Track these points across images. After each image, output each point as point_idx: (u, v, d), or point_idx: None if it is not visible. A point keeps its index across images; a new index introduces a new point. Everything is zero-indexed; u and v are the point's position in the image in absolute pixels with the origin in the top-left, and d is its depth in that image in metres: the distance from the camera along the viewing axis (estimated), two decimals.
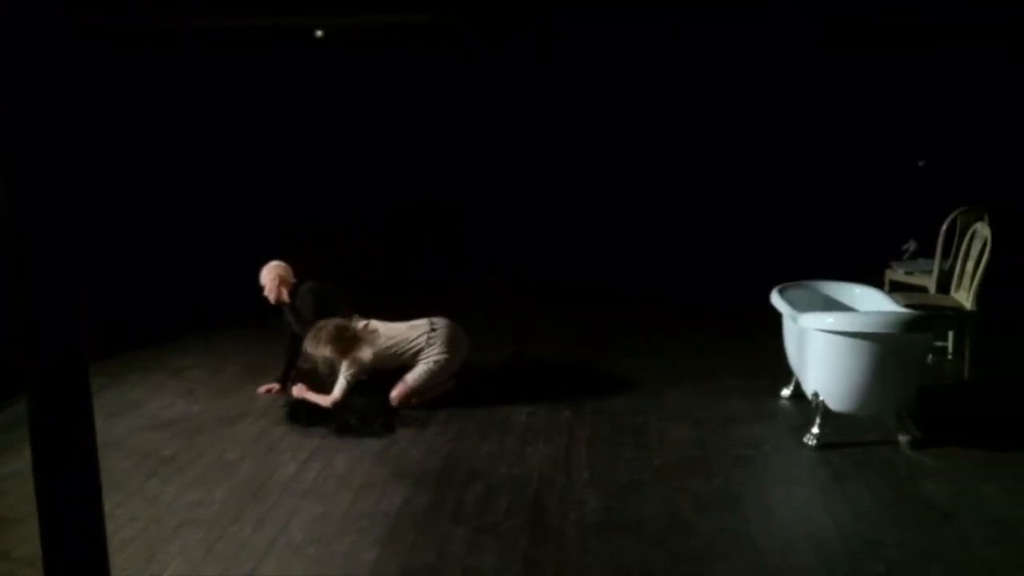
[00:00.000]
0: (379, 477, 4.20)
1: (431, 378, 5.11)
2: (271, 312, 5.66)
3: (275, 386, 5.40)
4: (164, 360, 6.04)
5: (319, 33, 8.12)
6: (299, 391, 5.12)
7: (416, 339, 5.16)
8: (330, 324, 5.02)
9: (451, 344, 5.19)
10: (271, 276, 5.42)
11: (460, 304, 7.43)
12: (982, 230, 5.45)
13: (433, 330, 5.19)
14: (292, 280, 5.47)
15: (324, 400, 4.99)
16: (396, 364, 5.17)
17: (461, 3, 7.94)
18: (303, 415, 4.92)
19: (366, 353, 5.08)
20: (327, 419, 4.86)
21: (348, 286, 5.68)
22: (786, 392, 5.23)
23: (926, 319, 4.42)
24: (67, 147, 2.23)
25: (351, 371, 5.03)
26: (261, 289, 5.45)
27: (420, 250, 9.04)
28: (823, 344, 4.37)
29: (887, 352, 4.23)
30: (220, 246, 8.14)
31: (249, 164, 8.69)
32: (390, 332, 5.22)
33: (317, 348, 4.97)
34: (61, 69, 2.17)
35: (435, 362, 5.12)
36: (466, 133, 9.04)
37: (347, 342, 5.01)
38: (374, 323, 5.26)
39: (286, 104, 8.74)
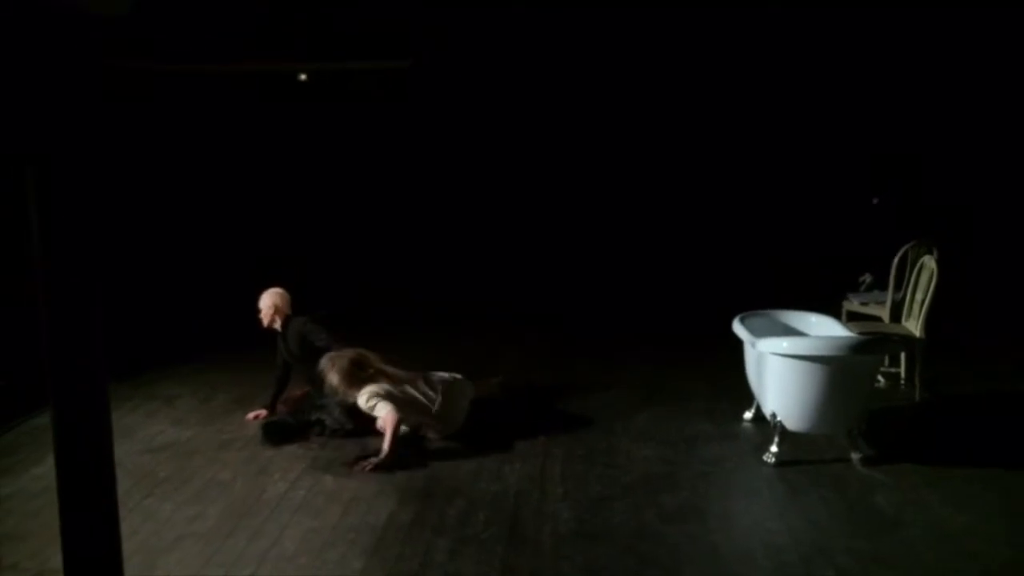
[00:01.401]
0: (366, 494, 4.45)
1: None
2: (259, 342, 5.94)
3: (263, 412, 5.63)
4: (155, 389, 6.26)
5: (303, 76, 8.46)
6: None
7: (425, 394, 5.20)
8: (347, 355, 5.08)
9: (448, 413, 5.25)
10: (268, 303, 5.67)
11: (431, 333, 7.75)
12: (929, 263, 5.83)
13: (438, 391, 5.24)
14: (288, 311, 5.70)
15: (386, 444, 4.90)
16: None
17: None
18: (275, 434, 5.23)
19: (386, 385, 5.07)
20: (297, 434, 5.25)
21: (341, 323, 5.91)
22: (748, 415, 5.54)
23: (871, 343, 4.77)
24: (95, 182, 2.54)
25: (375, 400, 4.98)
26: (258, 311, 5.71)
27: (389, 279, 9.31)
28: (779, 367, 4.70)
29: (837, 374, 4.57)
30: (208, 277, 8.39)
31: (242, 195, 9.00)
32: (405, 379, 5.24)
33: (330, 373, 5.02)
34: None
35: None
36: (429, 161, 9.40)
37: (358, 379, 5.03)
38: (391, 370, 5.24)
39: (274, 139, 9.09)
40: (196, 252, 8.68)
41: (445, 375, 5.45)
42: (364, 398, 5.00)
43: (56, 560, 3.72)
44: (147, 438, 5.33)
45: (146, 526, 4.11)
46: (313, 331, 5.59)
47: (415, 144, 9.35)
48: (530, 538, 3.98)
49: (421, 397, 5.15)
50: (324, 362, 5.12)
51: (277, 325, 5.67)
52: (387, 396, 4.98)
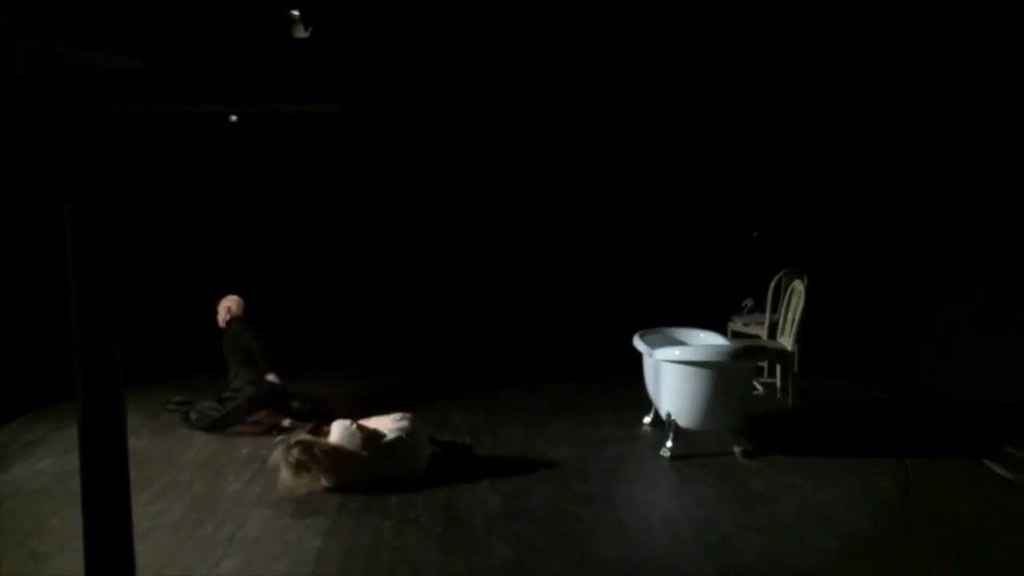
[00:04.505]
0: (316, 490, 4.99)
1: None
2: (198, 362, 6.69)
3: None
4: None
5: (233, 118, 8.96)
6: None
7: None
8: (295, 449, 4.98)
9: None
10: (223, 306, 6.62)
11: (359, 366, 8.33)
12: (798, 287, 6.78)
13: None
14: (238, 313, 6.58)
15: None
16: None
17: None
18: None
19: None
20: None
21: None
22: (647, 419, 6.33)
23: (745, 351, 5.65)
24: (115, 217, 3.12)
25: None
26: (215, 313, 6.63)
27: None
28: (673, 373, 5.51)
29: (720, 377, 5.41)
30: (151, 301, 8.72)
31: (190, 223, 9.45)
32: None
33: (285, 471, 5.00)
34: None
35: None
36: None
37: (314, 466, 4.97)
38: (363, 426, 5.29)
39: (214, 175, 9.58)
40: (140, 275, 8.99)
41: (395, 427, 5.42)
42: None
43: (41, 546, 4.21)
44: None
45: None
46: (242, 335, 6.46)
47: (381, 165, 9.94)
48: (464, 519, 4.63)
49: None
50: (277, 454, 5.14)
51: (222, 324, 6.62)
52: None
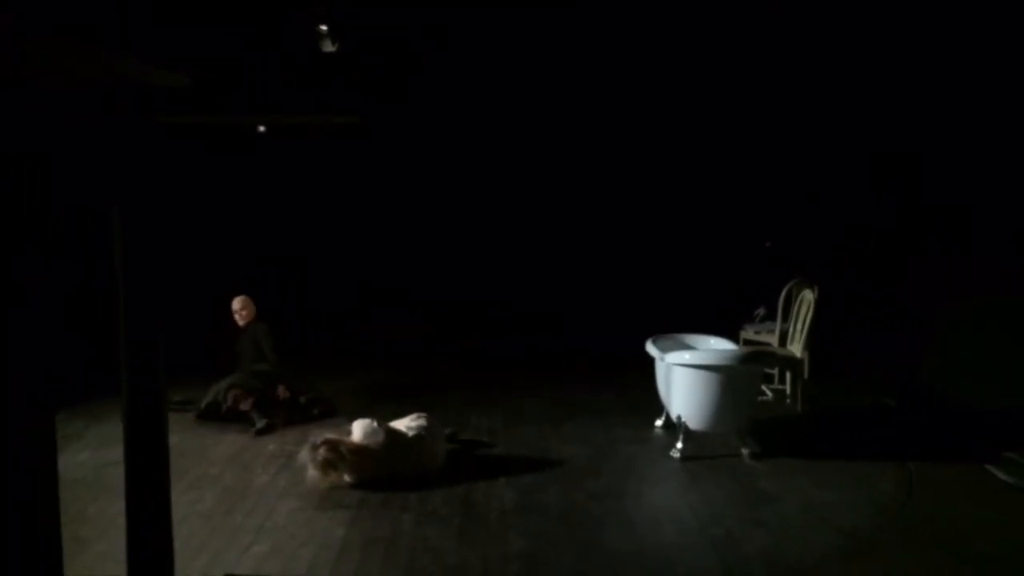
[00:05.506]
0: (339, 484, 5.23)
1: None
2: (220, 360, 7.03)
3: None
4: None
5: (262, 128, 9.27)
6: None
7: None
8: (322, 447, 5.22)
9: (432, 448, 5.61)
10: (241, 306, 6.97)
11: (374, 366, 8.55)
12: (808, 296, 6.96)
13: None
14: (254, 311, 7.01)
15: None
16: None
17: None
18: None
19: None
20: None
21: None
22: (659, 422, 6.53)
23: (752, 355, 5.84)
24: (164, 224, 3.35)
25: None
26: (232, 313, 6.96)
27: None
28: (683, 376, 5.71)
29: (728, 380, 5.60)
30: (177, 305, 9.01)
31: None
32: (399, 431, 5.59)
33: (312, 469, 5.22)
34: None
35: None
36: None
37: (340, 464, 5.23)
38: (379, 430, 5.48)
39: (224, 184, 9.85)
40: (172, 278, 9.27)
41: (414, 426, 5.64)
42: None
43: (82, 532, 4.46)
44: None
45: None
46: (265, 338, 6.88)
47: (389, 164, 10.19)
48: (481, 513, 4.85)
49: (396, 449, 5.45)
50: (305, 454, 5.34)
51: (241, 323, 6.99)
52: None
